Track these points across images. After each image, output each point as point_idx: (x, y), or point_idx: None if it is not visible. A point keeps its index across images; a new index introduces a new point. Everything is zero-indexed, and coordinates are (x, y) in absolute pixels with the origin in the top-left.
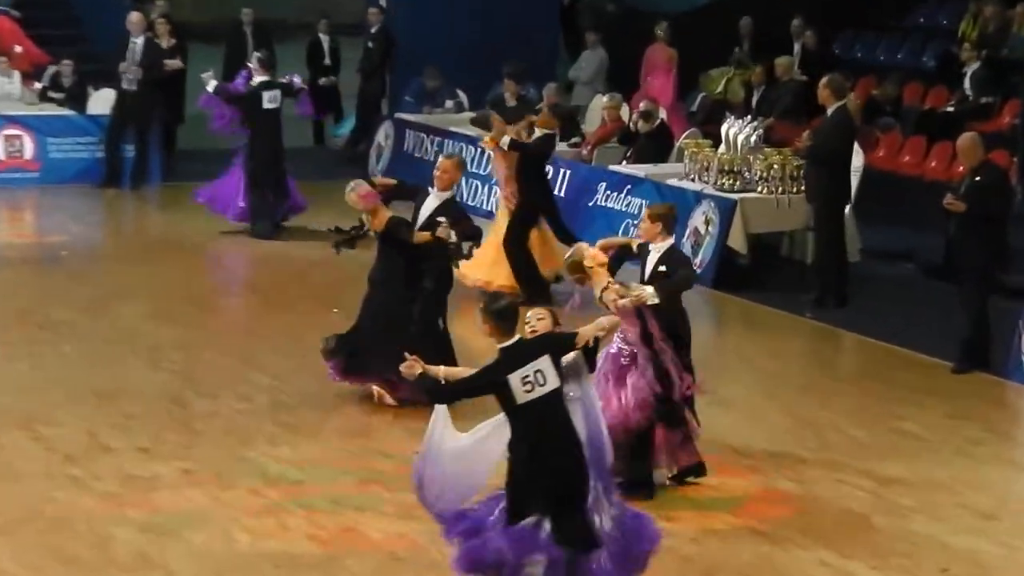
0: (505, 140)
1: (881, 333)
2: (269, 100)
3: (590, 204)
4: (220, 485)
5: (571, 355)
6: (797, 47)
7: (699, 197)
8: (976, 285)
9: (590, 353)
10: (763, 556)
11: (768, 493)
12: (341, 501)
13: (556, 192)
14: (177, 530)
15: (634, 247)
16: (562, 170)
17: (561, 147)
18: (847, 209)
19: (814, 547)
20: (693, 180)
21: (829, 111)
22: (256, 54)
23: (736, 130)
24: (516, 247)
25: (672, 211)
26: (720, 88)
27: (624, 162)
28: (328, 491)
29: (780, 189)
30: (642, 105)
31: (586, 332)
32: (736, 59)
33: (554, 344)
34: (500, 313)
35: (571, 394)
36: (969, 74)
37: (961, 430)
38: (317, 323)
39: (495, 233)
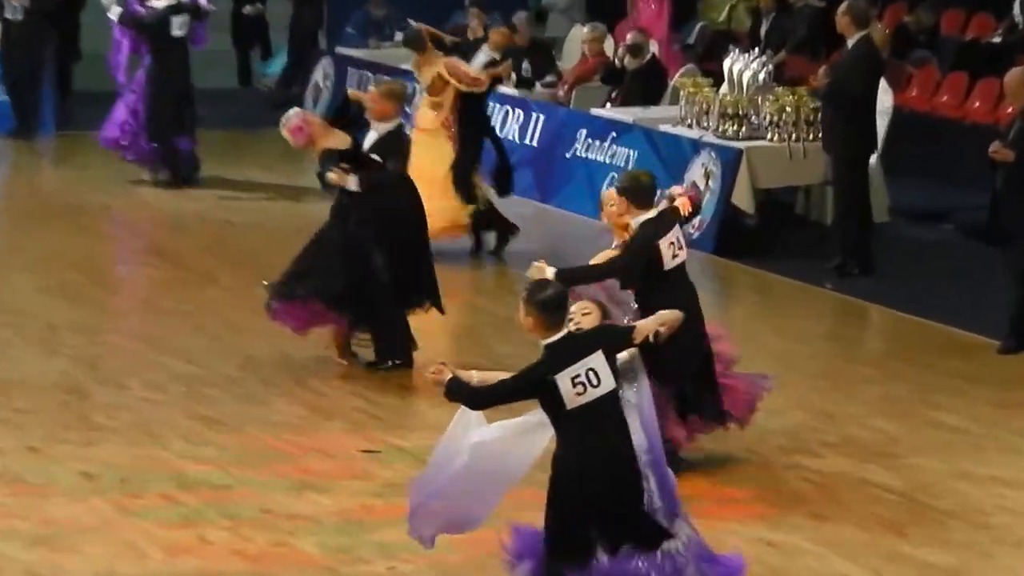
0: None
1: (914, 307)
2: (178, 27)
3: (568, 155)
4: (127, 491)
5: (626, 353)
6: None
7: (698, 146)
8: None
9: (649, 350)
10: (774, 570)
11: (781, 496)
12: (272, 510)
13: (528, 140)
14: (75, 545)
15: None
16: (535, 114)
17: (534, 87)
18: (873, 159)
19: (833, 559)
20: (691, 126)
21: (850, 43)
22: None
23: (741, 66)
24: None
25: (642, 182)
26: (723, 16)
27: (608, 105)
28: (256, 498)
29: (793, 136)
30: (629, 37)
31: (645, 326)
32: None
33: (609, 338)
34: (545, 304)
35: (626, 398)
36: None
37: (1009, 422)
38: (241, 298)
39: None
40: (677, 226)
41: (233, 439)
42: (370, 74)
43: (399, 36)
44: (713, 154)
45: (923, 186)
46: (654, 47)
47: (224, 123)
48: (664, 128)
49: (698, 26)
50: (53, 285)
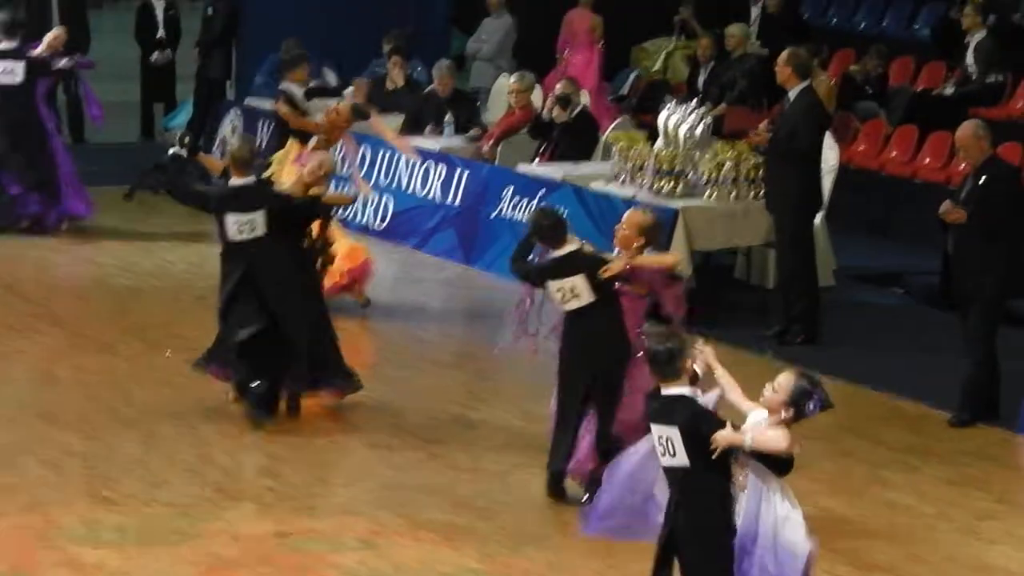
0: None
1: (863, 376)
2: (2, 72)
3: (493, 214)
4: None
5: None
6: (755, 12)
7: (631, 205)
8: (982, 316)
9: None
10: None
11: None
12: None
13: (451, 199)
14: None
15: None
16: (458, 170)
17: (456, 141)
18: (818, 219)
19: None
20: (624, 183)
21: (791, 94)
22: None
23: (678, 119)
24: None
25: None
26: (658, 65)
27: (536, 160)
28: None
29: (733, 194)
30: (558, 87)
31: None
32: (678, 26)
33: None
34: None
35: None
36: (973, 46)
37: (965, 501)
38: (142, 368)
39: None
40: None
41: (134, 521)
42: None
43: (311, 83)
44: None
45: (871, 247)
46: (585, 98)
47: (126, 179)
48: (596, 186)
49: (632, 75)
50: None
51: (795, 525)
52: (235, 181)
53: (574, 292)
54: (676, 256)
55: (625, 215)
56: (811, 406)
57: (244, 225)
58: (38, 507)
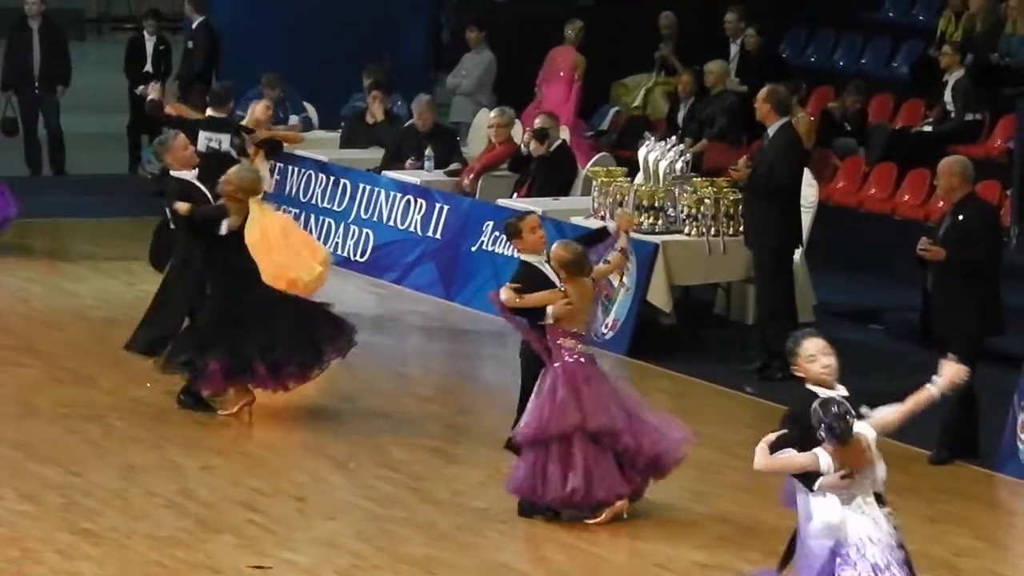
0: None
1: None
2: None
3: (473, 248)
4: None
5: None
6: (734, 49)
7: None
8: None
9: None
10: None
11: None
12: None
13: (431, 232)
14: None
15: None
16: (438, 205)
17: (437, 175)
18: (797, 255)
19: None
20: (603, 218)
21: (770, 131)
22: None
23: (657, 155)
24: None
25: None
26: (637, 101)
27: (515, 195)
28: None
29: (713, 230)
30: (536, 121)
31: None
32: (658, 63)
33: None
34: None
35: None
36: (951, 84)
37: (944, 537)
38: (122, 401)
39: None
40: None
41: (114, 555)
42: None
43: (293, 119)
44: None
45: (850, 283)
46: (565, 133)
47: (114, 211)
48: (575, 220)
49: (611, 111)
50: None
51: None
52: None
53: None
54: (553, 298)
55: (552, 248)
56: (820, 433)
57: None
58: (16, 540)
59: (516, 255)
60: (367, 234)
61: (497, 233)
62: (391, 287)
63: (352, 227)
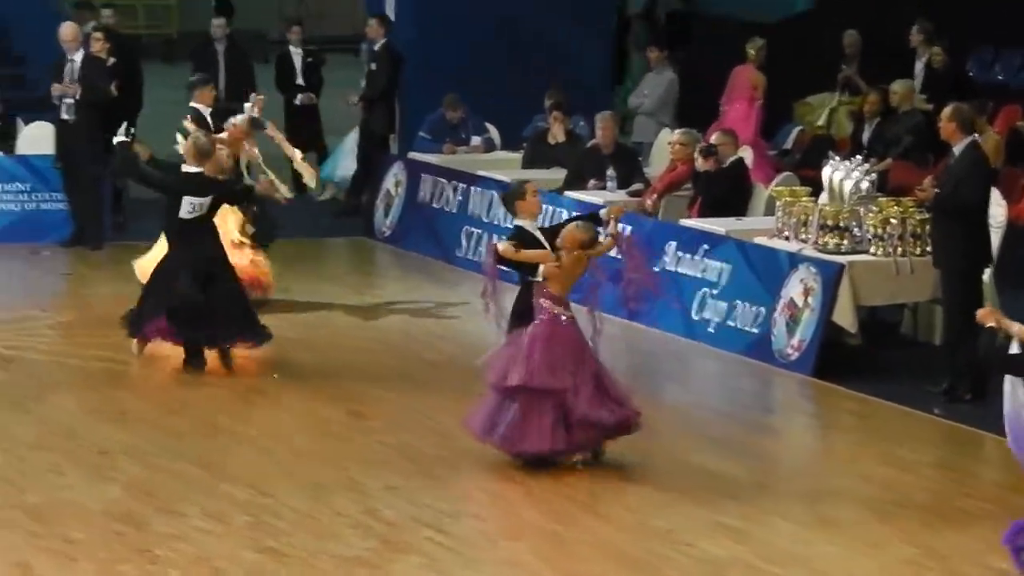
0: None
1: None
2: None
3: (656, 269)
4: None
5: None
6: (920, 67)
7: (795, 260)
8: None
9: None
10: None
11: None
12: None
13: (614, 253)
14: None
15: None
16: (620, 225)
17: (619, 195)
18: (986, 275)
19: None
20: (788, 238)
21: (956, 150)
22: None
23: (842, 174)
24: None
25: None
26: (821, 120)
27: (688, 212)
28: None
29: (899, 250)
30: (712, 138)
31: None
32: (842, 83)
33: None
34: None
35: None
36: None
37: None
38: (306, 420)
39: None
40: None
41: (300, 574)
42: (444, 180)
43: (475, 140)
44: (812, 269)
45: None
46: (747, 152)
47: (290, 230)
48: (759, 240)
49: (795, 131)
50: (104, 406)
51: None
52: (188, 169)
53: None
54: (546, 258)
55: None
56: None
57: (195, 207)
58: (204, 559)
59: (512, 220)
60: None
61: (681, 253)
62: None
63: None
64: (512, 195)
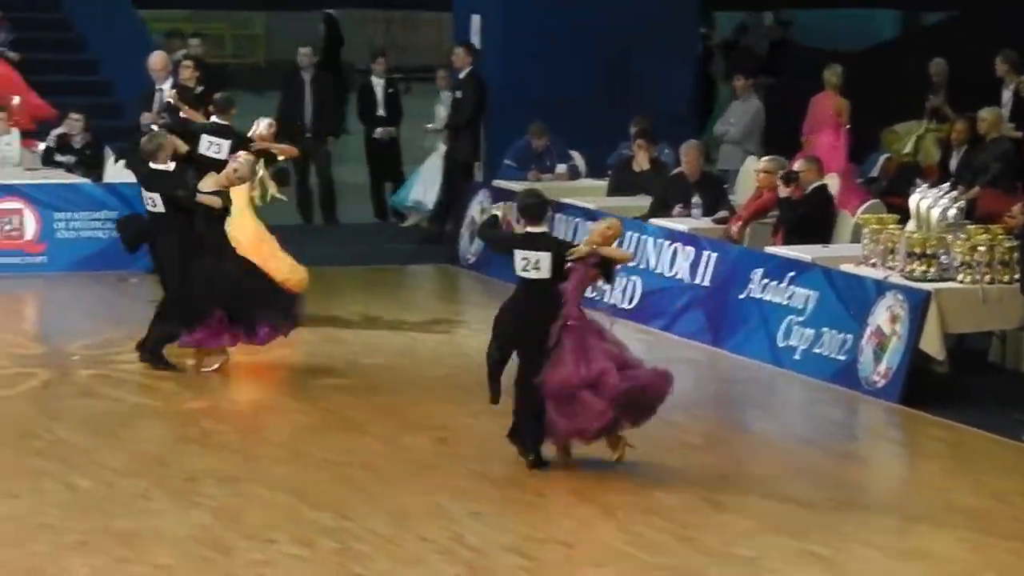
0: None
1: None
2: None
3: (741, 295)
4: None
5: None
6: (1007, 96)
7: (882, 288)
8: None
9: None
10: None
11: None
12: None
13: (699, 280)
14: None
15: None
16: (705, 253)
17: (704, 223)
18: None
19: None
20: (875, 266)
21: None
22: None
23: (930, 202)
24: None
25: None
26: (908, 147)
27: (772, 239)
28: None
29: (987, 277)
30: (796, 165)
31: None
32: (930, 111)
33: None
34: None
35: None
36: None
37: None
38: (391, 447)
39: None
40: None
41: None
42: None
43: (560, 168)
44: (899, 296)
45: None
46: (833, 181)
47: (376, 259)
48: (846, 268)
49: (881, 158)
50: (191, 433)
51: None
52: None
53: (537, 265)
54: (630, 254)
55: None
56: None
57: (150, 201)
58: None
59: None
60: (635, 282)
61: (767, 280)
62: (659, 334)
63: (620, 274)
64: (543, 207)
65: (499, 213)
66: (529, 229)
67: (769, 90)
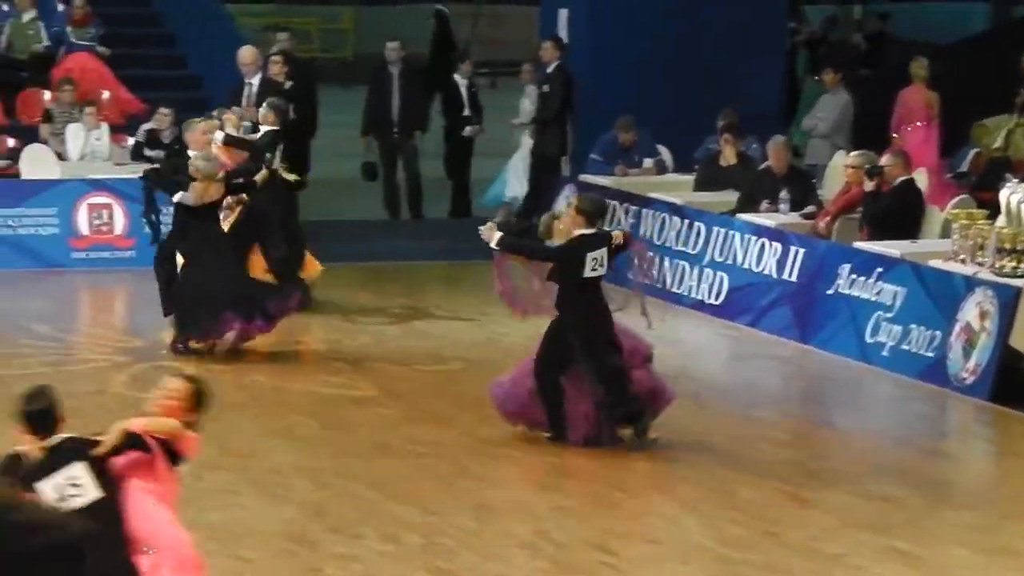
0: (219, 135)
1: None
2: None
3: (829, 291)
4: None
5: None
6: None
7: (971, 283)
8: None
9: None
10: None
11: None
12: None
13: (787, 275)
14: None
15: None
16: (792, 248)
17: (792, 218)
18: None
19: None
20: (964, 261)
21: None
22: None
23: (1020, 196)
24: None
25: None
26: (999, 142)
27: (859, 234)
28: None
29: None
30: (884, 159)
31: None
32: (1020, 105)
33: None
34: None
35: None
36: None
37: None
38: (474, 441)
39: None
40: (604, 248)
41: None
42: (616, 202)
43: (647, 162)
44: (989, 292)
45: None
46: (923, 176)
47: (461, 255)
48: (935, 263)
49: (971, 153)
50: (279, 427)
51: None
52: None
53: (602, 263)
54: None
55: None
56: None
57: None
58: None
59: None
60: (722, 277)
61: (855, 276)
62: (745, 330)
63: (707, 270)
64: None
65: (499, 219)
66: (585, 231)
67: (863, 83)
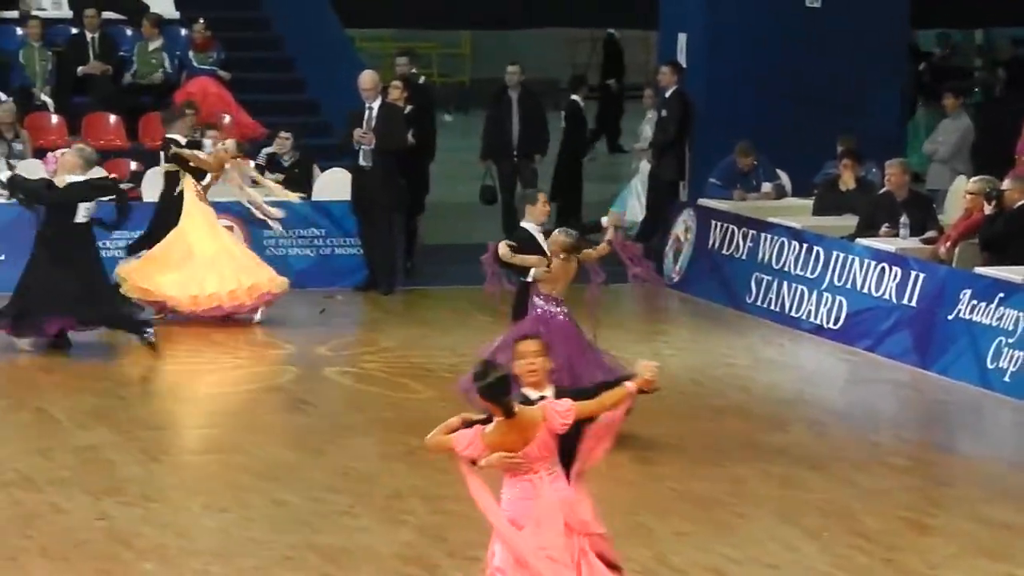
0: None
1: None
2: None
3: (950, 317)
4: None
5: None
6: None
7: None
8: None
9: None
10: None
11: None
12: None
13: (906, 300)
14: None
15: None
16: (912, 273)
17: (912, 243)
18: None
19: None
20: None
21: None
22: None
23: None
24: None
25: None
26: None
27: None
28: None
29: None
30: (1005, 183)
31: None
32: None
33: None
34: None
35: None
36: None
37: None
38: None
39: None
40: None
41: None
42: (734, 227)
43: (766, 187)
44: None
45: None
46: None
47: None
48: None
49: None
50: (396, 450)
51: None
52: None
53: None
54: (539, 263)
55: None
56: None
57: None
58: None
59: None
60: (840, 301)
61: (975, 301)
62: (864, 355)
63: (825, 294)
64: (524, 199)
65: (604, 221)
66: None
67: (983, 108)
